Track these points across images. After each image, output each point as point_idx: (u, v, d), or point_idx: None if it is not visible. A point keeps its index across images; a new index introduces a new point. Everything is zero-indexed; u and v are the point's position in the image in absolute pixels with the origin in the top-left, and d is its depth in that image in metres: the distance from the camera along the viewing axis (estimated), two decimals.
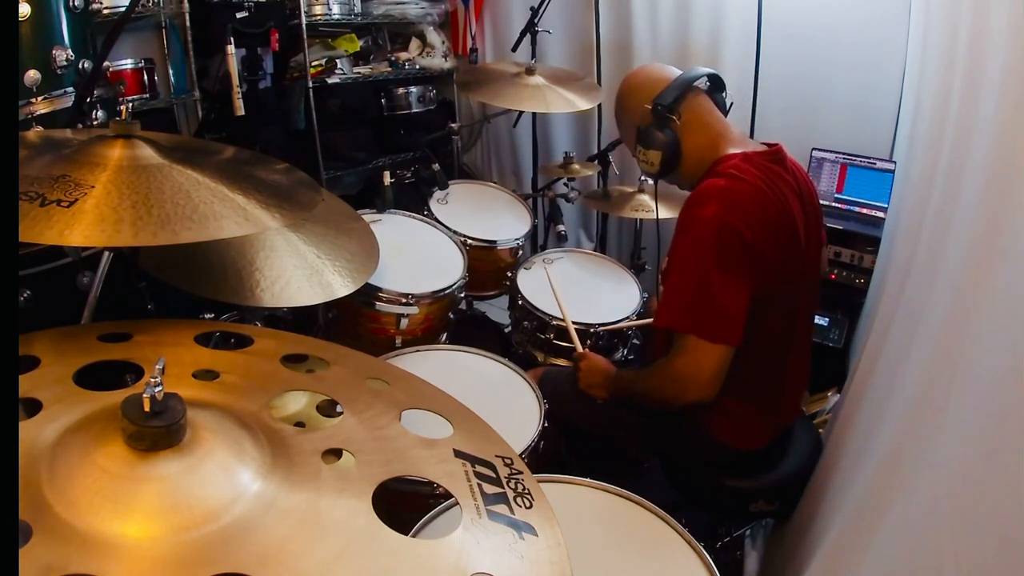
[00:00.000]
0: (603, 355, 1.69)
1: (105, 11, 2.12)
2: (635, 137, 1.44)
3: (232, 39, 2.48)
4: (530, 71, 2.39)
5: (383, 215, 2.04)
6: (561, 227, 2.49)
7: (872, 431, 1.21)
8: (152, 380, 0.70)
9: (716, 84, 1.48)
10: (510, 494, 0.81)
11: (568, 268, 2.20)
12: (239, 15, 2.58)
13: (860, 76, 2.42)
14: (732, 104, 1.53)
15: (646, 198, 2.31)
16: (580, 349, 1.68)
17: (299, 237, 1.47)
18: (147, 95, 2.57)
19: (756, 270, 1.27)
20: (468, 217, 2.20)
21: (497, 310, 2.59)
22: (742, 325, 1.27)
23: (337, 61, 3.22)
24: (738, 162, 1.32)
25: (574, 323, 1.80)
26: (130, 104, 2.42)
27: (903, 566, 0.88)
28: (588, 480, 1.23)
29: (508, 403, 1.51)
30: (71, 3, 1.41)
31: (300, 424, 1.10)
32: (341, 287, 1.44)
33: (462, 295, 1.97)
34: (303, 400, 1.20)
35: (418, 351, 1.67)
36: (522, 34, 2.70)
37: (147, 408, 0.69)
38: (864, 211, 2.43)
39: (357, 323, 1.81)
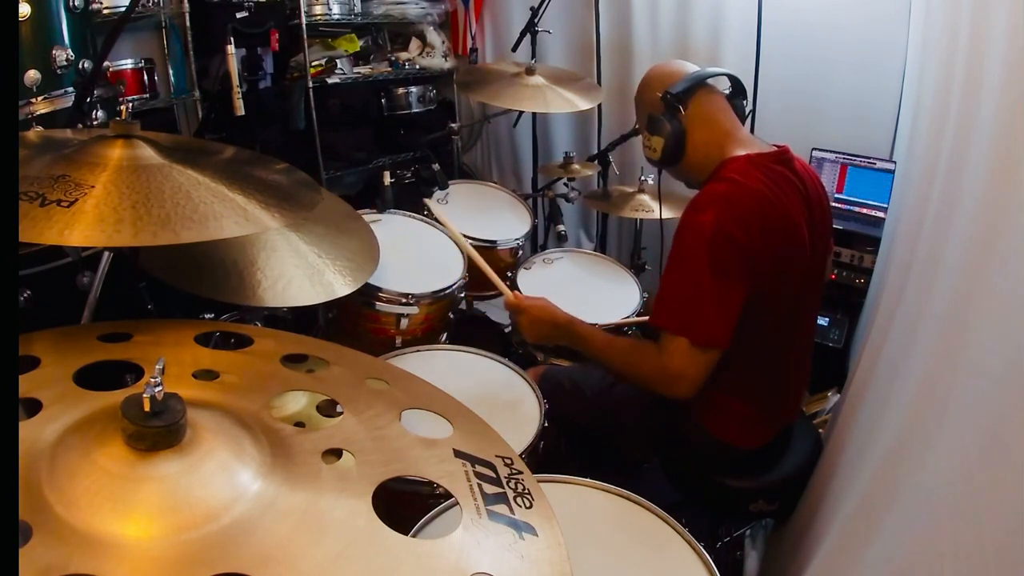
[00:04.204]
0: None
1: (105, 11, 2.11)
2: (645, 120, 1.47)
3: (232, 39, 2.48)
4: (530, 71, 2.39)
5: (383, 215, 2.04)
6: (561, 227, 2.48)
7: (872, 431, 1.21)
8: (152, 380, 0.70)
9: (737, 89, 1.50)
10: (510, 494, 0.81)
11: (568, 268, 2.20)
12: (239, 15, 2.58)
13: (860, 76, 2.42)
14: (751, 111, 1.54)
15: (646, 198, 2.31)
16: (509, 295, 1.53)
17: (299, 237, 1.47)
18: (147, 95, 2.57)
19: (753, 274, 1.27)
20: (468, 217, 2.20)
21: (497, 310, 2.59)
22: (732, 330, 1.28)
23: (337, 61, 3.21)
24: (742, 165, 1.33)
25: None
26: (130, 104, 2.42)
27: (903, 565, 0.88)
28: (588, 480, 1.23)
29: (508, 403, 1.51)
30: (71, 3, 1.41)
31: (300, 424, 1.10)
32: (341, 287, 1.44)
33: (462, 295, 1.97)
34: (303, 400, 1.20)
35: (418, 351, 1.67)
36: (522, 34, 2.69)
37: (147, 408, 0.69)
38: (864, 211, 2.43)
39: (357, 323, 1.81)
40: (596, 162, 2.53)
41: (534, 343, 1.48)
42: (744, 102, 1.51)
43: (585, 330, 1.44)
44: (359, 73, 3.34)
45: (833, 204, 2.40)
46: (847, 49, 2.42)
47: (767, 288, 1.30)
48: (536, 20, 2.65)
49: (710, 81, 1.45)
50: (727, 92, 1.50)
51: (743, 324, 1.28)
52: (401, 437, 0.86)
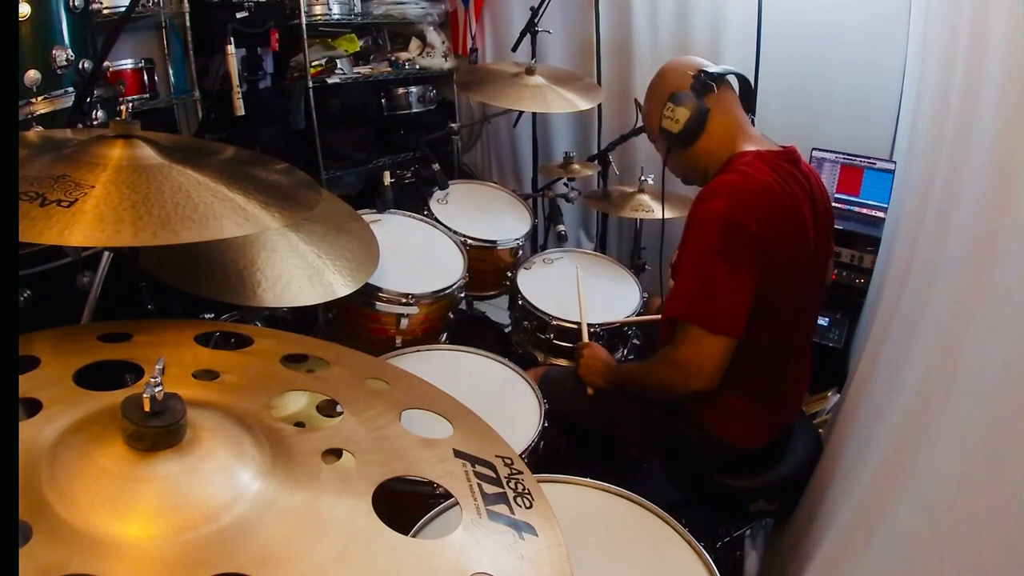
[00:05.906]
0: None
1: (105, 11, 2.11)
2: (664, 99, 1.45)
3: (232, 39, 2.48)
4: (530, 71, 2.39)
5: (383, 215, 2.04)
6: (561, 227, 2.48)
7: (872, 431, 1.21)
8: (152, 380, 0.70)
9: (747, 98, 1.52)
10: (510, 494, 0.81)
11: (568, 268, 2.20)
12: (239, 15, 2.58)
13: (860, 76, 2.42)
14: (751, 115, 1.55)
15: (646, 198, 2.31)
16: (585, 340, 1.77)
17: (299, 237, 1.47)
18: (147, 95, 2.57)
19: (761, 264, 1.28)
20: (468, 217, 2.20)
21: (497, 310, 2.59)
22: (744, 318, 1.28)
23: (337, 61, 3.22)
24: (751, 159, 1.35)
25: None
26: (130, 104, 2.42)
27: (903, 566, 0.88)
28: (588, 480, 1.23)
29: (508, 403, 1.51)
30: (71, 3, 1.41)
31: (300, 424, 1.10)
32: (341, 287, 1.44)
33: (462, 295, 1.97)
34: (303, 400, 1.20)
35: (418, 351, 1.67)
36: (522, 34, 2.69)
37: (147, 408, 0.70)
38: (864, 211, 2.43)
39: (357, 323, 1.81)
40: (596, 162, 2.53)
41: (583, 375, 1.61)
42: (751, 116, 1.52)
43: (625, 367, 1.59)
44: (359, 73, 3.34)
45: (833, 204, 2.41)
46: (847, 49, 2.42)
47: (773, 281, 1.31)
48: (536, 20, 2.65)
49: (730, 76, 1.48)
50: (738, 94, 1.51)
51: (747, 321, 1.28)
52: (401, 437, 0.86)
